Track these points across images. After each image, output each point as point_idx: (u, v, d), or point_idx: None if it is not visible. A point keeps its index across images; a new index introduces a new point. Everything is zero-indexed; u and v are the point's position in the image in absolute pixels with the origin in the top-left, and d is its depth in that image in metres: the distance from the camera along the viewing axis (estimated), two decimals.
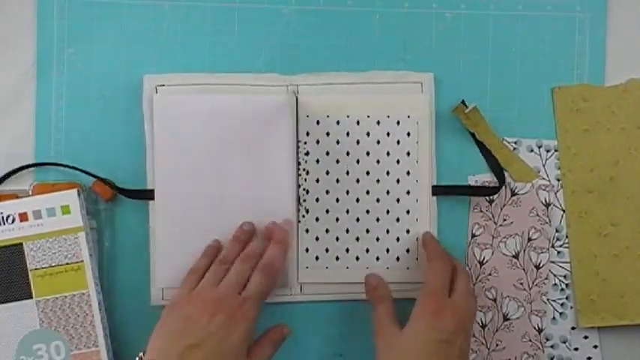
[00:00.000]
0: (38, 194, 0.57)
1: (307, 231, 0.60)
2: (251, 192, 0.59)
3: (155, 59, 0.60)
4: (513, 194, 0.62)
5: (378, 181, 0.60)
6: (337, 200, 0.60)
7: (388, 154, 0.60)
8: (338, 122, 0.60)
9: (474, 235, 0.61)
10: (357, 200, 0.61)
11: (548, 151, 0.62)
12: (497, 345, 0.62)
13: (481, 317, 0.62)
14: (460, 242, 0.61)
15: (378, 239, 0.61)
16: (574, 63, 0.62)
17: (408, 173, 0.60)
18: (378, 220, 0.61)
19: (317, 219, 0.60)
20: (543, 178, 0.62)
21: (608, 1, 0.62)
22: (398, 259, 0.61)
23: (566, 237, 0.62)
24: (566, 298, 0.62)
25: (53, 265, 0.56)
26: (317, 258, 0.61)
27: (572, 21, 0.62)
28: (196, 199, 0.59)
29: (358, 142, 0.60)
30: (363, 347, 0.61)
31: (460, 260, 0.61)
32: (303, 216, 0.60)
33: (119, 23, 0.60)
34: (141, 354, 0.51)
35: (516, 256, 0.62)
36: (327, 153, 0.60)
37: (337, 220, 0.60)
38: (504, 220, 0.61)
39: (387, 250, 0.61)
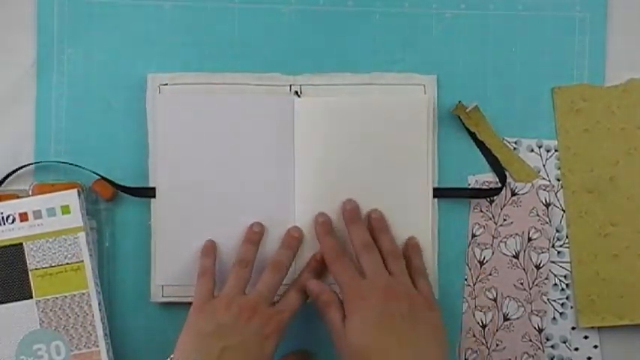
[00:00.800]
0: (38, 194, 0.57)
1: None
2: (252, 191, 0.59)
3: (155, 59, 0.60)
4: (513, 194, 0.61)
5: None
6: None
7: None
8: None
9: (474, 235, 0.61)
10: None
11: (548, 151, 0.62)
12: (497, 345, 0.62)
13: (481, 317, 0.62)
14: (460, 242, 0.61)
15: None
16: (574, 63, 0.62)
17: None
18: None
19: None
20: (543, 178, 0.62)
21: (608, 1, 0.62)
22: None
23: (567, 237, 0.62)
24: (567, 298, 0.62)
25: (53, 265, 0.56)
26: None
27: (572, 21, 0.62)
28: (197, 197, 0.59)
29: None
30: None
31: (460, 260, 0.61)
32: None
33: (119, 23, 0.60)
34: (172, 356, 0.52)
35: (516, 256, 0.62)
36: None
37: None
38: (504, 220, 0.61)
39: None
